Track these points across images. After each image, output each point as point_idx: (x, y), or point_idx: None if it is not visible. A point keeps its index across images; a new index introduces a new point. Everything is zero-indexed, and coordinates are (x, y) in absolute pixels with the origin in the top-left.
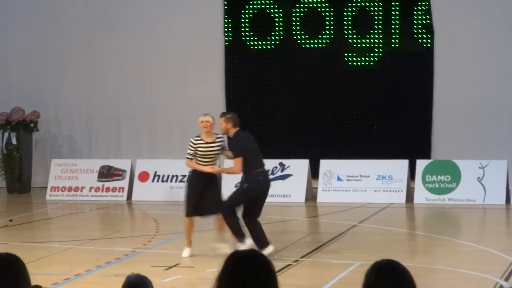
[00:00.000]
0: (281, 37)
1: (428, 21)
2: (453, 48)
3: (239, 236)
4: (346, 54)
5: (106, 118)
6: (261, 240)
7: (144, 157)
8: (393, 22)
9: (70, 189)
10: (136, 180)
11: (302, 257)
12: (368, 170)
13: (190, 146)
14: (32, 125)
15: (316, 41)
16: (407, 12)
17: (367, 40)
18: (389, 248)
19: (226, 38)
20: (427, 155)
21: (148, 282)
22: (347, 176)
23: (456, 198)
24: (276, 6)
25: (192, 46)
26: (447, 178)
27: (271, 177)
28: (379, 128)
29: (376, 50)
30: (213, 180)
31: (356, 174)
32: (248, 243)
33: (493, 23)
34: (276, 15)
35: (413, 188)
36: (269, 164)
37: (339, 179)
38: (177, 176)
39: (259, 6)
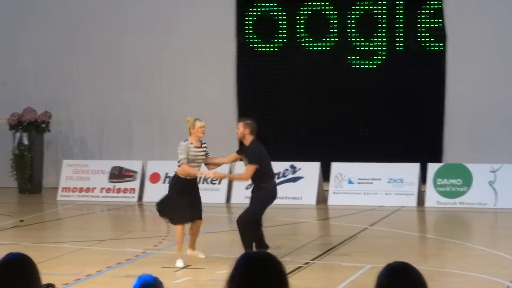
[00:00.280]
0: (285, 40)
1: (433, 25)
2: (465, 52)
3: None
4: (353, 57)
5: (117, 119)
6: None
7: (155, 158)
8: (396, 25)
9: (81, 189)
10: (147, 181)
11: (312, 260)
12: (379, 173)
13: (183, 151)
14: (43, 125)
15: (320, 43)
16: (412, 15)
17: (370, 43)
18: (400, 251)
19: (238, 40)
20: (438, 159)
21: (159, 283)
22: (358, 179)
23: (467, 201)
24: (280, 8)
25: (204, 48)
26: (459, 181)
27: (282, 179)
28: (390, 131)
29: (380, 52)
30: (196, 185)
31: (367, 177)
32: None
33: (505, 26)
34: (280, 17)
35: (424, 191)
36: (281, 166)
37: (350, 182)
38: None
39: (263, 9)
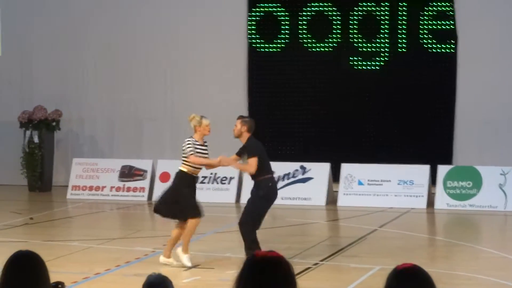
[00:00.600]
0: (287, 40)
1: (438, 27)
2: (476, 53)
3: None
4: (355, 58)
5: (128, 118)
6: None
7: (165, 157)
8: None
9: (91, 188)
10: (157, 180)
11: (321, 261)
12: (389, 175)
13: (190, 144)
14: (54, 124)
15: (321, 44)
16: (414, 17)
17: (373, 44)
18: (409, 253)
19: (250, 40)
20: (448, 161)
21: (169, 282)
22: (368, 180)
23: (477, 204)
24: (283, 9)
25: (215, 47)
26: (469, 184)
27: (292, 180)
28: (400, 133)
29: (383, 53)
30: (195, 183)
31: (377, 178)
32: None
33: None
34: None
35: (434, 193)
36: (291, 167)
37: (360, 183)
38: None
39: (266, 10)
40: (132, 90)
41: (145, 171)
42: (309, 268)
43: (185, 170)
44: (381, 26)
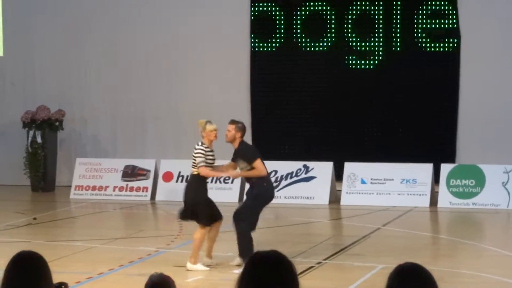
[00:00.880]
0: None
1: (438, 26)
2: (478, 52)
3: (245, 254)
4: (353, 57)
5: (130, 118)
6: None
7: (168, 157)
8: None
9: (94, 188)
10: (160, 180)
11: (325, 259)
12: (392, 173)
13: (201, 154)
14: (57, 123)
15: (318, 44)
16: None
17: (368, 44)
18: (412, 252)
19: (251, 40)
20: (451, 159)
21: (171, 281)
22: (371, 179)
23: (480, 202)
24: (278, 8)
25: (218, 46)
26: (472, 182)
27: (295, 179)
28: (403, 132)
29: (379, 52)
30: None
31: (380, 177)
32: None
33: None
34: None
35: (437, 192)
36: (294, 166)
37: (363, 181)
38: None
39: (264, 9)
40: (134, 90)
41: (148, 171)
42: (312, 267)
43: (198, 173)
44: (376, 25)
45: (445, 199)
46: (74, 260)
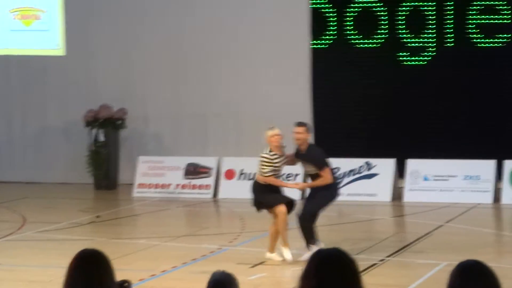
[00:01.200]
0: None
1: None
2: None
3: (312, 241)
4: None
5: (192, 115)
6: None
7: (230, 155)
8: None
9: (156, 186)
10: (222, 177)
11: (387, 257)
12: (455, 170)
13: (266, 162)
14: (119, 122)
15: (369, 41)
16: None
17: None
18: (475, 249)
19: (320, 37)
20: None
21: (234, 279)
22: (434, 175)
23: None
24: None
25: (280, 44)
26: None
27: (357, 176)
28: (466, 128)
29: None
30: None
31: (443, 174)
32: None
33: None
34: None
35: (500, 188)
36: (356, 163)
37: (425, 178)
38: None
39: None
40: (196, 87)
41: (211, 169)
42: (375, 264)
43: (261, 182)
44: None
45: (509, 195)
46: (137, 257)
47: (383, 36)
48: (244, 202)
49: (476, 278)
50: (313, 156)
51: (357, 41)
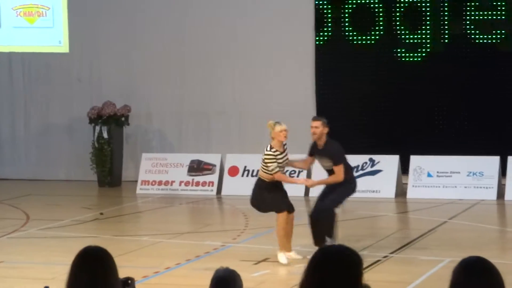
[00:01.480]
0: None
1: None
2: None
3: (330, 235)
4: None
5: (196, 112)
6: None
7: (234, 151)
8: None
9: (160, 183)
10: (225, 174)
11: (391, 253)
12: (459, 166)
13: (271, 159)
14: (123, 119)
15: (366, 37)
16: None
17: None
18: (479, 245)
19: (321, 33)
20: None
21: (237, 276)
22: (438, 172)
23: None
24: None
25: (283, 40)
26: None
27: (361, 172)
28: (470, 124)
29: (426, 44)
30: (281, 184)
31: (446, 170)
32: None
33: None
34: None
35: (504, 184)
36: (359, 159)
37: (429, 175)
38: None
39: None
40: (199, 84)
41: (214, 166)
42: (378, 260)
43: (266, 180)
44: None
45: None
46: (141, 254)
47: (379, 32)
48: (247, 199)
49: (480, 274)
50: (330, 150)
51: (355, 37)
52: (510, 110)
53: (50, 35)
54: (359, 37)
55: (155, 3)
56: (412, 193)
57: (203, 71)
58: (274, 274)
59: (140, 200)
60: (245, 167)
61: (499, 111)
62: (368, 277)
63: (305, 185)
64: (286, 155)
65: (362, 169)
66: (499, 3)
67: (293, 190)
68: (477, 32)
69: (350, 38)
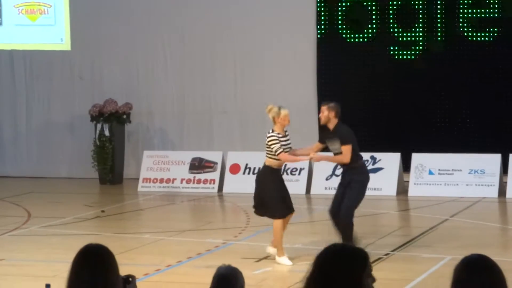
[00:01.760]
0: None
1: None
2: None
3: (351, 239)
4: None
5: (197, 110)
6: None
7: (235, 149)
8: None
9: (161, 180)
10: (227, 172)
11: (393, 251)
12: (460, 164)
13: (275, 140)
14: (124, 116)
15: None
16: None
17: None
18: (481, 243)
19: (319, 31)
20: None
21: (239, 273)
22: (439, 169)
23: None
24: None
25: (284, 38)
26: None
27: None
28: (471, 122)
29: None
30: (282, 176)
31: (448, 167)
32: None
33: None
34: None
35: (506, 182)
36: None
37: (430, 172)
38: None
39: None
40: (201, 82)
41: (216, 163)
42: (380, 258)
43: (272, 166)
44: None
45: None
46: (142, 252)
47: (373, 30)
48: (249, 197)
49: (481, 272)
50: (339, 131)
51: (351, 35)
52: (511, 108)
53: (52, 32)
54: (353, 35)
55: (158, 2)
56: (413, 191)
57: (205, 68)
58: (276, 271)
59: (142, 198)
60: (247, 164)
61: (500, 109)
62: (370, 273)
63: (309, 160)
64: (288, 139)
65: None
66: (491, 1)
67: (294, 188)
68: (470, 30)
69: (344, 35)
